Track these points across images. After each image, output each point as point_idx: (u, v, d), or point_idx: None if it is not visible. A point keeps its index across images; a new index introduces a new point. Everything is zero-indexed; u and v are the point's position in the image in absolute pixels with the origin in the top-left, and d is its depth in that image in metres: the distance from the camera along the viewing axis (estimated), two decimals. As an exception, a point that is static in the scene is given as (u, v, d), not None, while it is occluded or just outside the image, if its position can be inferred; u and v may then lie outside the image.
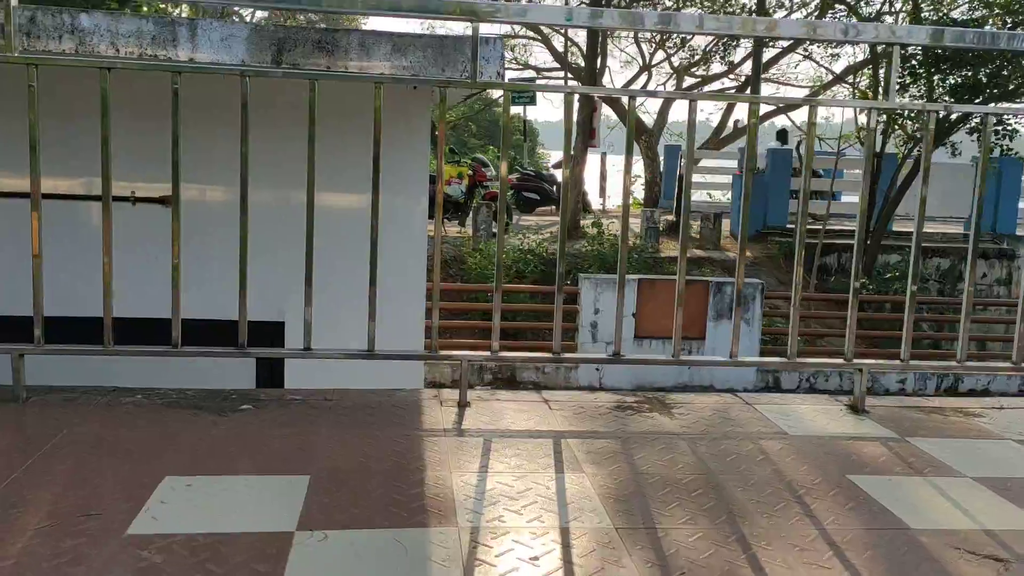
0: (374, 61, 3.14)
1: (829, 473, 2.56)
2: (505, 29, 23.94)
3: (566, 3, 19.24)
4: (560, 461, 2.56)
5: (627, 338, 9.43)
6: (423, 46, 3.15)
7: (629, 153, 3.05)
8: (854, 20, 14.87)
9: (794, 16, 20.56)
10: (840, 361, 3.20)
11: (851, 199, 17.79)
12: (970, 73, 12.99)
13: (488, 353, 3.05)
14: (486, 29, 3.01)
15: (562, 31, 22.82)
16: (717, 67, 24.76)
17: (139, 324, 3.90)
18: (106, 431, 2.64)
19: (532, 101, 21.33)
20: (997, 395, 10.82)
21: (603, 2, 17.40)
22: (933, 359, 10.31)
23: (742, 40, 20.16)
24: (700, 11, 20.98)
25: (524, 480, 2.39)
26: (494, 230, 14.79)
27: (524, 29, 23.91)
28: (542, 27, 22.89)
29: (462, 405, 3.02)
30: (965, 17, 13.69)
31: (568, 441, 2.72)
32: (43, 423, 2.67)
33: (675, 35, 25.29)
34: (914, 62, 13.47)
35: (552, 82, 30.36)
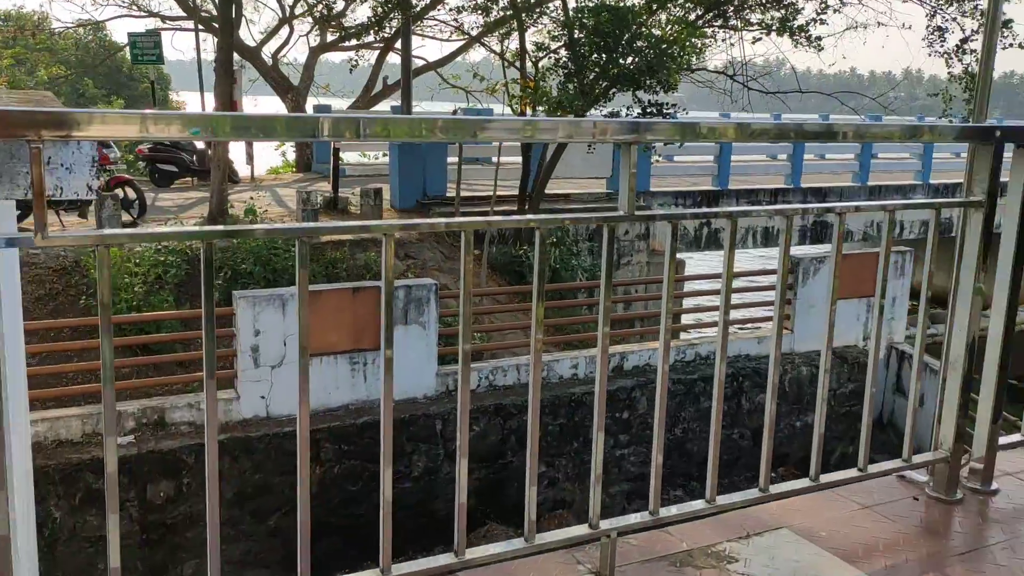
0: None
1: None
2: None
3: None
4: None
5: (293, 360, 8.42)
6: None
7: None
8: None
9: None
10: (587, 530, 2.59)
11: (507, 158, 17.52)
12: (624, 60, 13.39)
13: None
14: None
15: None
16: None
17: None
18: None
19: (159, 60, 18.98)
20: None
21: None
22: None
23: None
24: None
25: None
26: (124, 219, 12.80)
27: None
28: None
29: None
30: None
31: None
32: None
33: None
34: (578, 46, 13.59)
35: (182, 27, 27.40)
